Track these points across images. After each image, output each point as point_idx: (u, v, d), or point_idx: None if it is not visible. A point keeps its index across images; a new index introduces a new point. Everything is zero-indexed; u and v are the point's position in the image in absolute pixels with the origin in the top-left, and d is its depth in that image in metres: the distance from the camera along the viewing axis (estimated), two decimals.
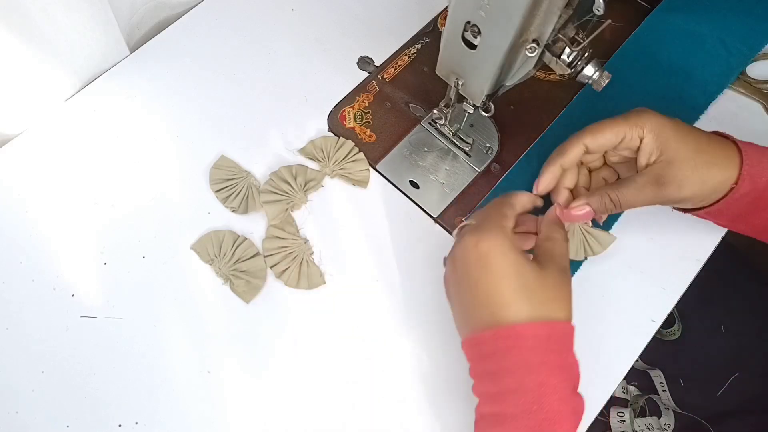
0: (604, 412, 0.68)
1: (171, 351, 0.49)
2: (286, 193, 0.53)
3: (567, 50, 0.41)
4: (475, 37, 0.41)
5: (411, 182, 0.55)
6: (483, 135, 0.57)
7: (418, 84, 0.60)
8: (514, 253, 0.38)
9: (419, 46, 0.62)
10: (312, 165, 0.56)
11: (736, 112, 0.58)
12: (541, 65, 0.44)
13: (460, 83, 0.47)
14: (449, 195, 0.55)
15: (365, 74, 0.61)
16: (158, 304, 0.50)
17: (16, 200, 0.54)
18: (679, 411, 0.67)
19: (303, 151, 0.56)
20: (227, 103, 0.59)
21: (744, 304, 0.69)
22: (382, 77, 0.60)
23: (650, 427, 0.68)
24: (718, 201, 0.44)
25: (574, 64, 0.42)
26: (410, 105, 0.59)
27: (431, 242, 0.53)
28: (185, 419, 0.47)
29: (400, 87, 0.60)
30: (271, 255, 0.51)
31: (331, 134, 0.57)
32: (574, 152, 0.45)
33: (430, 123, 0.58)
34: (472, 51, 0.42)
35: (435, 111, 0.55)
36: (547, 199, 0.47)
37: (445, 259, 0.44)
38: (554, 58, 0.42)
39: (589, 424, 0.46)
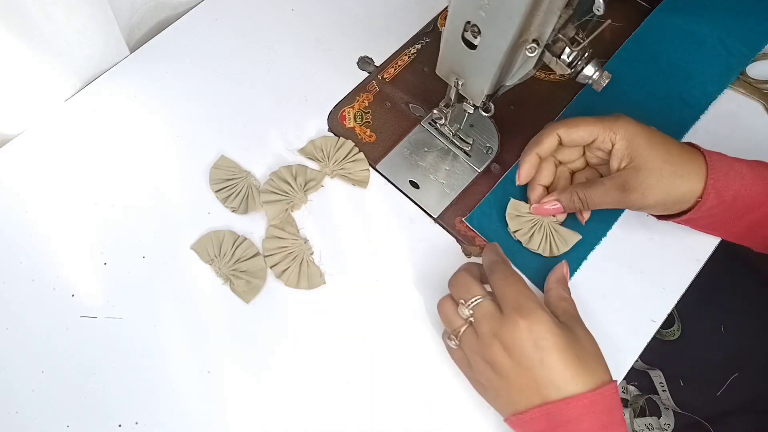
0: None
1: (171, 351, 0.49)
2: (286, 193, 0.53)
3: (567, 50, 0.41)
4: (475, 37, 0.41)
5: (411, 182, 0.55)
6: (483, 135, 0.57)
7: (418, 84, 0.60)
8: (559, 327, 0.40)
9: (419, 46, 0.62)
10: (312, 165, 0.56)
11: (736, 112, 0.58)
12: (541, 65, 0.44)
13: (460, 83, 0.47)
14: (449, 195, 0.55)
15: (365, 74, 0.61)
16: (158, 304, 0.50)
17: (16, 200, 0.54)
18: (679, 411, 0.67)
19: (303, 151, 0.56)
20: (227, 103, 0.59)
21: (744, 304, 0.69)
22: (382, 77, 0.60)
23: (650, 427, 0.68)
24: (687, 211, 0.46)
25: (574, 64, 0.42)
26: (410, 105, 0.59)
27: (431, 242, 0.53)
28: (185, 419, 0.47)
29: (400, 87, 0.60)
30: (271, 255, 0.51)
31: (331, 134, 0.57)
32: (548, 142, 0.48)
33: (430, 123, 0.58)
34: (472, 51, 0.42)
35: (435, 111, 0.55)
36: (551, 261, 0.51)
37: (446, 336, 0.45)
38: (554, 58, 0.42)
39: None
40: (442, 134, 0.57)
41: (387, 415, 0.47)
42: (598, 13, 0.35)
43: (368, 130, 0.57)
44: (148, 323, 0.49)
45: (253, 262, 0.51)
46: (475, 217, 0.53)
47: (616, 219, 0.53)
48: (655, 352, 0.65)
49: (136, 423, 0.46)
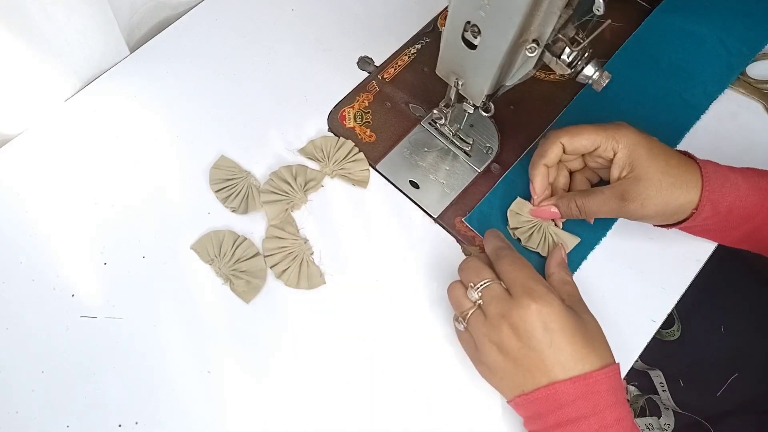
0: None
1: (171, 351, 0.49)
2: (286, 193, 0.53)
3: (567, 50, 0.41)
4: (475, 37, 0.41)
5: (411, 182, 0.55)
6: (483, 135, 0.57)
7: (418, 84, 0.60)
8: (568, 312, 0.41)
9: (419, 46, 0.62)
10: (312, 165, 0.56)
11: (736, 111, 0.58)
12: (541, 65, 0.44)
13: (460, 83, 0.47)
14: (449, 195, 0.55)
15: (365, 74, 0.61)
16: (158, 304, 0.50)
17: (16, 200, 0.54)
18: (679, 411, 0.67)
19: (303, 151, 0.56)
20: (227, 103, 0.59)
21: (744, 304, 0.69)
22: (382, 77, 0.60)
23: (650, 427, 0.68)
24: (684, 220, 0.46)
25: (574, 64, 0.42)
26: (410, 105, 0.59)
27: (431, 242, 0.53)
28: (185, 419, 0.47)
29: (400, 87, 0.60)
30: (271, 255, 0.51)
31: (331, 134, 0.57)
32: (553, 151, 0.48)
33: (430, 123, 0.58)
34: (472, 51, 0.42)
35: (435, 111, 0.55)
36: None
37: (455, 319, 0.45)
38: (554, 58, 0.42)
39: None
40: (442, 134, 0.57)
41: (387, 415, 0.47)
42: (598, 13, 0.35)
43: (368, 130, 0.57)
44: (148, 323, 0.49)
45: (253, 262, 0.51)
46: (475, 217, 0.53)
47: (616, 219, 0.53)
48: (655, 352, 0.65)
49: (136, 423, 0.46)
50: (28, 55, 0.51)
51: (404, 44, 0.62)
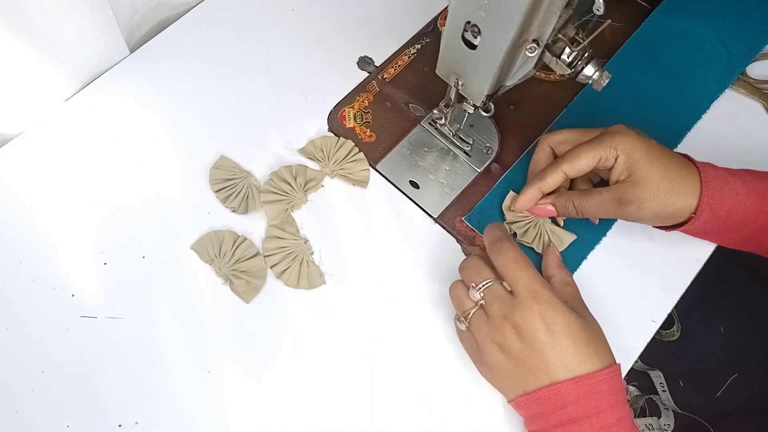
0: None
1: (171, 351, 0.49)
2: (286, 193, 0.53)
3: (567, 50, 0.41)
4: (475, 37, 0.41)
5: (411, 182, 0.55)
6: (483, 135, 0.57)
7: (418, 84, 0.60)
8: (571, 314, 0.41)
9: (419, 46, 0.62)
10: (312, 165, 0.56)
11: (737, 112, 0.58)
12: (541, 65, 0.44)
13: (460, 83, 0.47)
14: (449, 195, 0.55)
15: (365, 74, 0.61)
16: (158, 304, 0.50)
17: (16, 200, 0.54)
18: (679, 411, 0.67)
19: (303, 151, 0.56)
20: (227, 103, 0.59)
21: (744, 304, 0.69)
22: (382, 77, 0.60)
23: (650, 427, 0.68)
24: (683, 223, 0.46)
25: (574, 64, 0.42)
26: (410, 105, 0.59)
27: (431, 242, 0.53)
28: (185, 419, 0.47)
29: (400, 87, 0.60)
30: (271, 255, 0.51)
31: (331, 134, 0.57)
32: (553, 179, 0.48)
33: (430, 123, 0.58)
34: (472, 51, 0.42)
35: (435, 111, 0.55)
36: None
37: (456, 319, 0.45)
38: (554, 58, 0.42)
39: None
40: (442, 134, 0.57)
41: (387, 415, 0.47)
42: (598, 13, 0.35)
43: (368, 130, 0.57)
44: (148, 323, 0.49)
45: (253, 262, 0.51)
46: (475, 216, 0.53)
47: (616, 219, 0.53)
48: (655, 352, 0.65)
49: (136, 423, 0.46)
50: (27, 55, 0.51)
51: (404, 44, 0.62)
